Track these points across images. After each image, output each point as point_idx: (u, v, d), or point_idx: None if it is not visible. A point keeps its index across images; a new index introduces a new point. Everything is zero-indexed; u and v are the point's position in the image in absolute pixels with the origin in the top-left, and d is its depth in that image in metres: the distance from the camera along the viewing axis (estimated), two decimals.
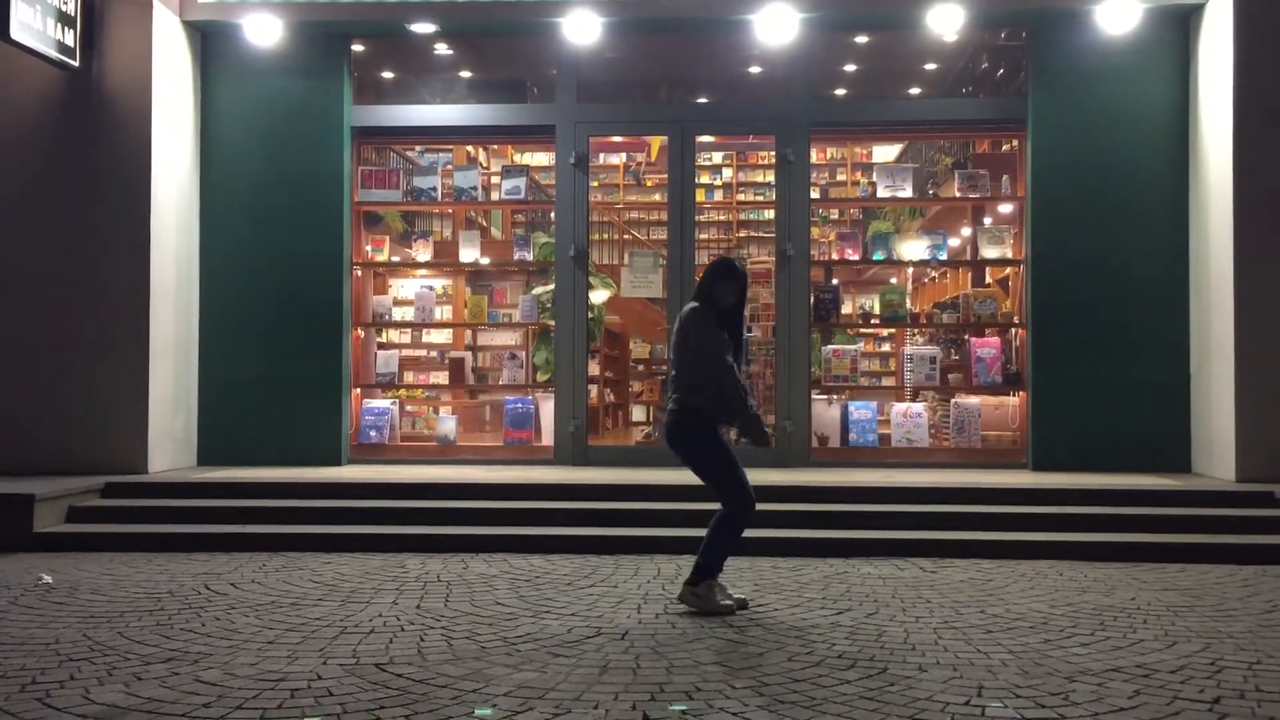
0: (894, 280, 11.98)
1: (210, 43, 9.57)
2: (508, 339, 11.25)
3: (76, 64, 8.69)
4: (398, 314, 10.63)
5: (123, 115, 8.84)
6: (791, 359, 9.47)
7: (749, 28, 9.25)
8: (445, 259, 10.74)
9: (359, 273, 10.00)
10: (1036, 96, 9.27)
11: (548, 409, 9.76)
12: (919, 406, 9.85)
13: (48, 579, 6.24)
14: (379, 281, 10.64)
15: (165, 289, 9.04)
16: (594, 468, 9.22)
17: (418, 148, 11.27)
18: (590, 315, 9.86)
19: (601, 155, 14.17)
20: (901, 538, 7.18)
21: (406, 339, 11.49)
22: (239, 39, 9.44)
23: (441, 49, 10.21)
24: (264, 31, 9.31)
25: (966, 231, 10.86)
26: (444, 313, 10.93)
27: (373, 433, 9.85)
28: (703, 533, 6.56)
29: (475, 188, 10.32)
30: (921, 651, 4.68)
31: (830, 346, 10.00)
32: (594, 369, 10.52)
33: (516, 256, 10.49)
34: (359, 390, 9.97)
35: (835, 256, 10.51)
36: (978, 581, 6.24)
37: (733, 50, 9.94)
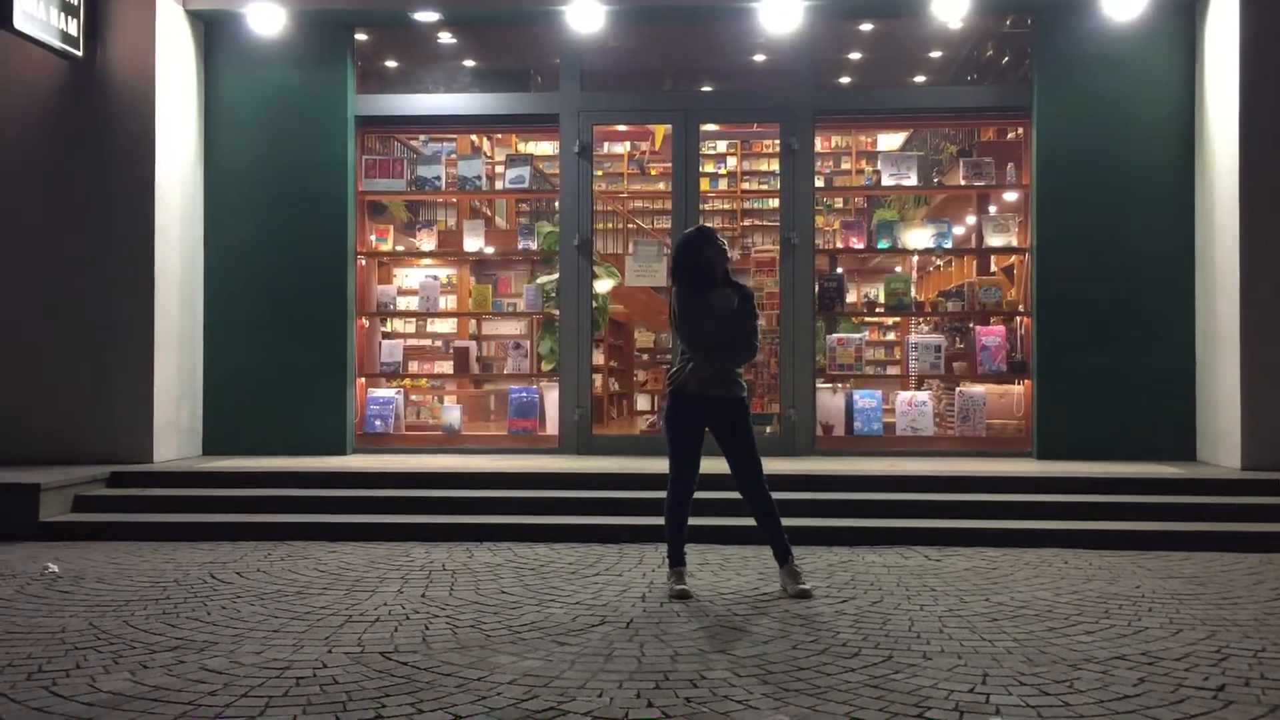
0: (899, 269, 11.99)
1: (213, 32, 9.56)
2: (512, 328, 11.25)
3: (80, 54, 8.69)
4: (402, 303, 10.62)
5: (126, 105, 8.84)
6: (796, 347, 9.47)
7: (753, 15, 9.22)
8: (449, 248, 10.73)
9: (363, 262, 10.00)
10: (1042, 84, 9.23)
11: (552, 398, 9.76)
12: (924, 395, 9.84)
13: (54, 568, 6.25)
14: (383, 271, 10.63)
15: (169, 279, 9.05)
16: (598, 457, 9.23)
17: (421, 137, 11.27)
18: (594, 304, 9.85)
19: (606, 144, 14.15)
20: (906, 526, 7.18)
21: (411, 328, 11.49)
22: (242, 28, 9.42)
23: (445, 38, 10.19)
24: (267, 21, 9.30)
25: (971, 220, 10.84)
26: (448, 302, 10.93)
27: (377, 422, 9.86)
28: (706, 521, 6.64)
29: (479, 177, 10.30)
30: (926, 640, 4.68)
31: (835, 335, 9.97)
32: (598, 358, 10.52)
33: (521, 246, 10.49)
34: (364, 380, 9.98)
35: (840, 245, 10.49)
36: (982, 570, 6.23)
37: (737, 38, 9.91)
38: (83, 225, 8.83)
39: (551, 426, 9.76)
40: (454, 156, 10.61)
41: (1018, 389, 9.81)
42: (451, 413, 10.11)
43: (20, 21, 7.98)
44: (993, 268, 10.80)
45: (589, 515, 7.46)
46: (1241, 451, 8.24)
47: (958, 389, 9.80)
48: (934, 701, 3.83)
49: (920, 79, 10.75)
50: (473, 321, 11.22)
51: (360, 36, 9.83)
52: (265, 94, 9.57)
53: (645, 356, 12.75)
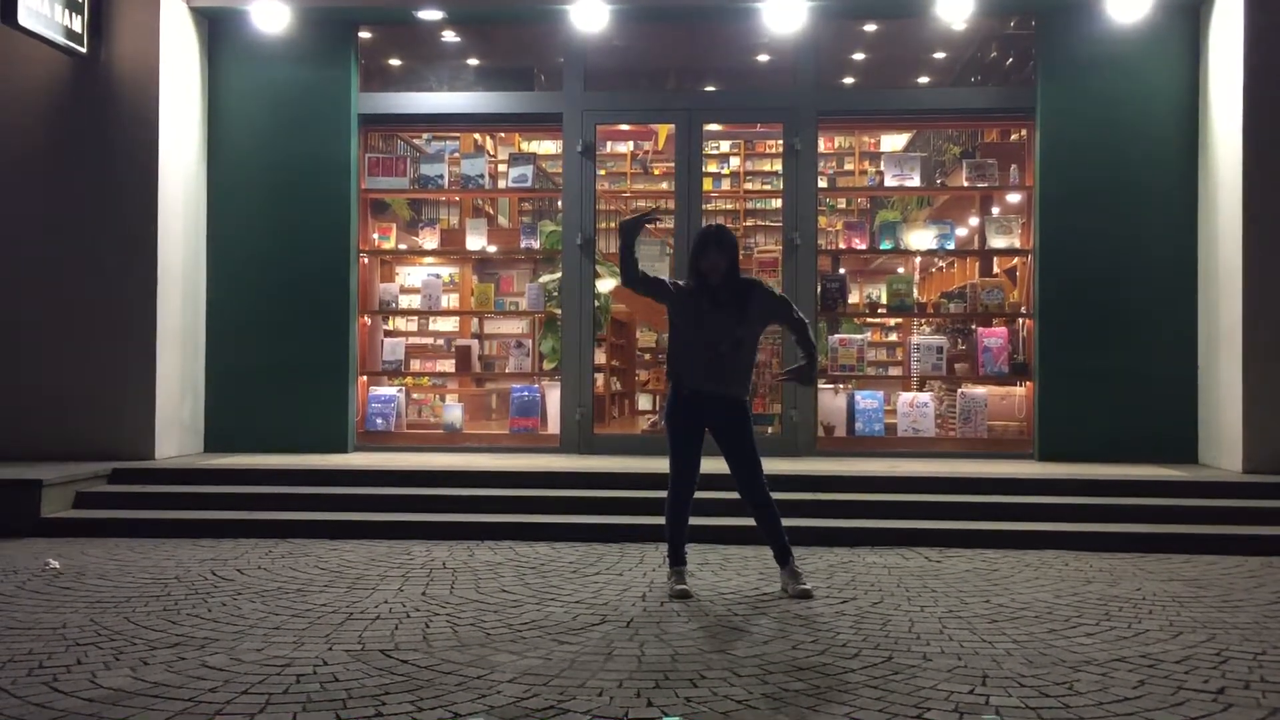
0: (901, 270, 11.98)
1: (218, 29, 9.57)
2: (514, 327, 11.25)
3: (84, 50, 8.70)
4: (404, 302, 10.62)
5: (130, 102, 8.85)
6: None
7: (757, 15, 9.22)
8: (452, 247, 10.74)
9: (366, 260, 10.00)
10: (1045, 86, 9.23)
11: (554, 397, 9.76)
12: (925, 396, 9.84)
13: (55, 564, 6.25)
14: (386, 269, 10.64)
15: (172, 275, 9.06)
16: (599, 456, 9.23)
17: (425, 135, 11.26)
18: (597, 304, 9.86)
19: (609, 143, 14.13)
20: (907, 527, 7.18)
21: (413, 327, 11.49)
22: (246, 25, 9.43)
23: (449, 36, 10.19)
24: (271, 18, 9.30)
25: (974, 221, 10.84)
26: (451, 301, 10.93)
27: (379, 420, 9.86)
28: (707, 521, 6.64)
29: (482, 176, 10.31)
30: (926, 640, 4.68)
31: (837, 336, 9.97)
32: (600, 358, 10.52)
33: (523, 245, 10.49)
34: (365, 378, 9.98)
35: (842, 246, 10.50)
36: (983, 571, 6.23)
37: (741, 38, 9.91)
38: (86, 221, 8.83)
39: (553, 425, 9.76)
40: (457, 155, 10.61)
41: (1019, 390, 9.81)
42: (453, 411, 10.12)
43: (25, 18, 7.99)
44: (995, 269, 10.80)
45: (590, 514, 7.47)
46: (1243, 454, 8.24)
47: (959, 390, 9.79)
48: (934, 703, 3.83)
49: (924, 80, 10.75)
50: (475, 320, 11.23)
51: (364, 34, 9.83)
52: (269, 91, 9.57)
53: (647, 356, 12.74)
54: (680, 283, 5.74)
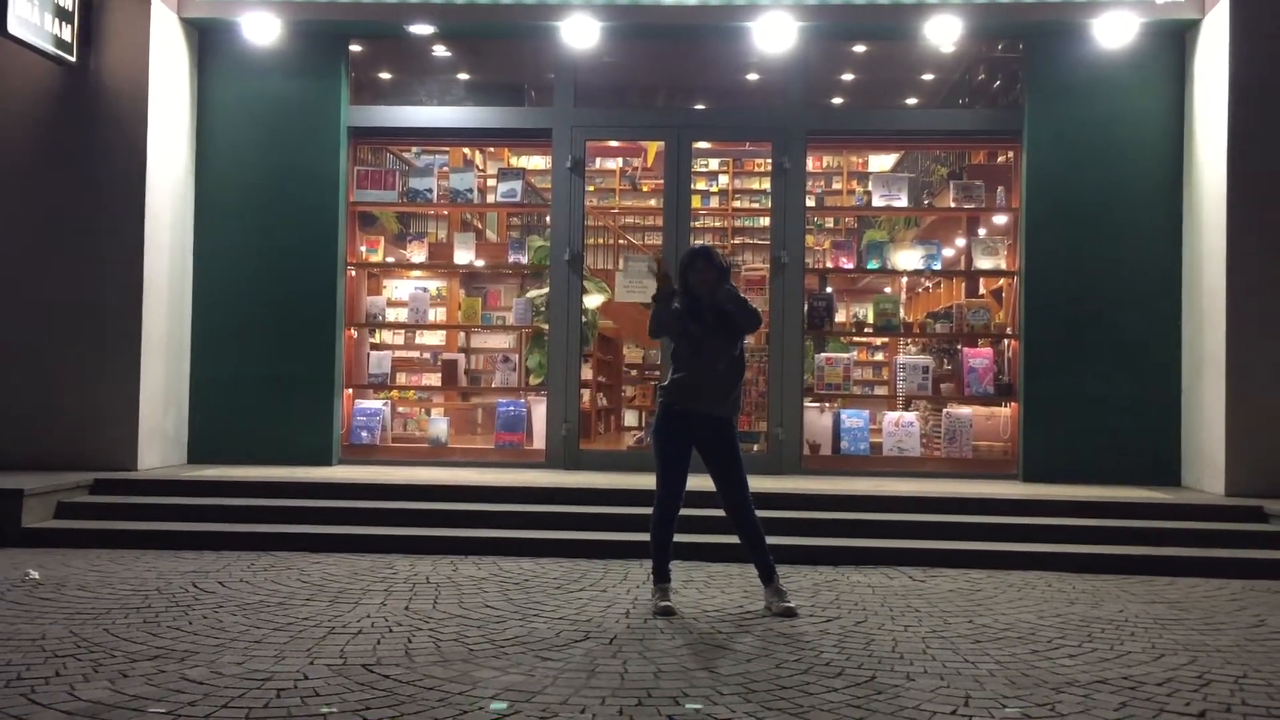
0: (888, 289, 12.02)
1: (208, 40, 9.56)
2: (501, 342, 11.24)
3: (74, 60, 8.67)
4: (391, 315, 10.61)
5: (119, 112, 8.82)
6: (784, 366, 9.48)
7: (747, 35, 9.27)
8: (440, 261, 10.73)
9: (353, 273, 9.99)
10: (1032, 109, 9.30)
11: (540, 412, 9.75)
12: (911, 416, 9.86)
13: (35, 574, 6.21)
14: (373, 282, 10.62)
15: (159, 286, 9.02)
16: (585, 472, 9.22)
17: (414, 149, 11.27)
18: (584, 319, 9.86)
19: (598, 159, 14.18)
20: (891, 546, 7.19)
21: (400, 340, 11.47)
22: (237, 37, 9.43)
23: (440, 50, 10.21)
24: (262, 30, 9.31)
25: (961, 242, 10.89)
26: (437, 314, 10.92)
27: (364, 433, 9.83)
28: (691, 538, 6.64)
29: (471, 190, 10.32)
30: (909, 660, 4.68)
31: (823, 354, 10.00)
32: (587, 373, 10.52)
33: (511, 259, 10.49)
34: (351, 390, 9.95)
35: (830, 265, 10.53)
36: (966, 591, 6.24)
37: (731, 57, 9.95)
38: (72, 231, 8.80)
39: (539, 440, 9.74)
40: (446, 169, 10.61)
41: (1004, 411, 9.85)
42: (439, 425, 10.10)
43: (14, 26, 7.97)
44: (981, 290, 10.85)
45: (574, 530, 7.45)
46: (1226, 477, 8.27)
47: (945, 410, 9.82)
48: None
49: (912, 101, 10.81)
50: (461, 334, 11.21)
51: (355, 47, 9.84)
52: (259, 103, 9.56)
53: (634, 372, 12.76)
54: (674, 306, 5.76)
